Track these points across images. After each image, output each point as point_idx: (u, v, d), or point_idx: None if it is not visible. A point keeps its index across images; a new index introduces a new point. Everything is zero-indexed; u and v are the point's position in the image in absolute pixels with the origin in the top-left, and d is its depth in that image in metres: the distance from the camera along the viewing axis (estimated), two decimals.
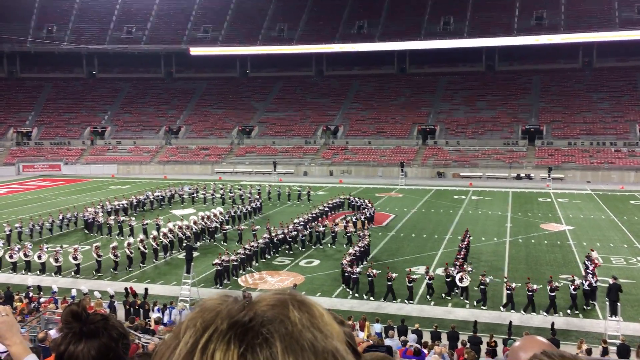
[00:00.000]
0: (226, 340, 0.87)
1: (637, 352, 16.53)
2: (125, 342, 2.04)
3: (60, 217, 36.36)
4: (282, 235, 30.52)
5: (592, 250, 26.38)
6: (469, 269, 23.81)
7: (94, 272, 27.10)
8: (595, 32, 69.96)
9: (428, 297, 23.19)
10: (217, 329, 0.88)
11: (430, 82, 78.46)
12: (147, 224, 34.36)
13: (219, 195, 46.48)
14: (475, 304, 22.42)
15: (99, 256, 27.20)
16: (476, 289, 22.75)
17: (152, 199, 43.68)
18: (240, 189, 46.97)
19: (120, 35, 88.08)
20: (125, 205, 40.93)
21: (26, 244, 29.62)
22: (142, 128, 77.94)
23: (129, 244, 28.33)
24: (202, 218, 34.37)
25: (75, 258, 26.99)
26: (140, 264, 28.31)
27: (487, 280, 22.36)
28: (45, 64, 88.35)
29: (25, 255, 27.71)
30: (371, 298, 23.27)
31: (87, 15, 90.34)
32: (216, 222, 34.63)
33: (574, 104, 69.00)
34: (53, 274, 26.99)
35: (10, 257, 27.74)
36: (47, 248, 28.80)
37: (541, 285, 22.29)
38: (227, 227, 34.43)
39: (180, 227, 32.03)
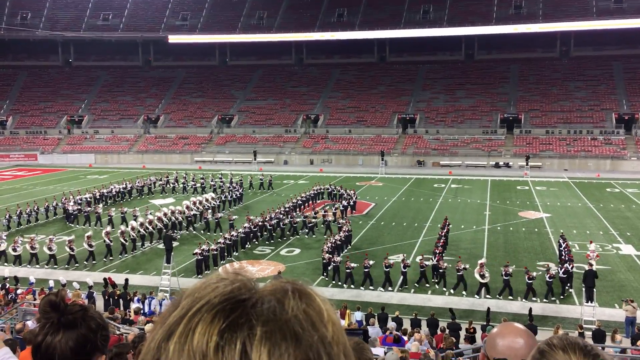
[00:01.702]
0: (213, 313, 0.87)
1: (612, 336, 16.88)
2: (104, 334, 2.02)
3: (46, 205, 36.00)
4: (262, 224, 30.55)
5: (591, 243, 26.28)
6: (484, 260, 22.89)
7: (105, 258, 27.24)
8: (572, 21, 70.59)
9: (416, 284, 23.42)
10: (209, 301, 0.88)
11: (410, 71, 78.62)
12: (125, 212, 34.14)
13: (190, 184, 46.17)
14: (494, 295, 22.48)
15: (90, 246, 26.99)
16: (482, 281, 22.54)
17: (115, 192, 42.04)
18: (202, 178, 47.02)
19: (97, 22, 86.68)
20: (94, 197, 39.65)
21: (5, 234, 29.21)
22: (120, 117, 77.02)
23: (107, 233, 28.07)
24: (194, 203, 35.05)
25: (32, 248, 26.72)
26: (120, 255, 28.08)
27: (510, 270, 22.03)
28: (20, 52, 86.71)
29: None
30: (351, 286, 23.42)
31: (62, 1, 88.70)
32: (209, 207, 35.49)
33: (552, 92, 69.72)
34: (47, 264, 26.69)
35: None
36: (21, 241, 28.36)
37: (514, 267, 22.60)
38: (191, 212, 34.52)
39: (172, 212, 32.52)
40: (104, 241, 27.80)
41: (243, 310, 0.87)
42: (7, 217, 33.34)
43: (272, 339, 0.84)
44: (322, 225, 32.41)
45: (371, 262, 23.60)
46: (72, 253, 26.75)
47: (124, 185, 43.39)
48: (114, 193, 41.96)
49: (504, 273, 22.01)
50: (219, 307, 0.87)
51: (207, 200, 36.93)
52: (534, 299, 21.56)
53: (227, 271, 0.98)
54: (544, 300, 21.61)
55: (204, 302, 0.88)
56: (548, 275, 21.87)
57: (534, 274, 22.28)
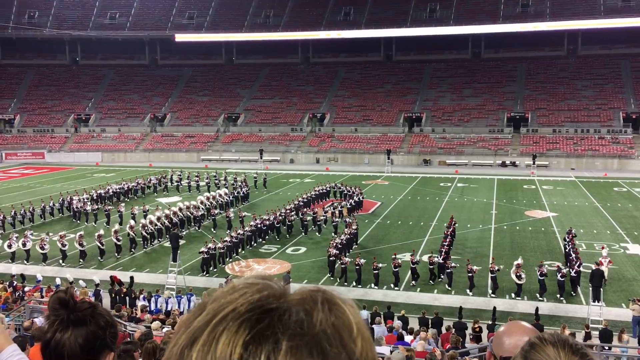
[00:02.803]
0: (238, 322, 0.84)
1: (619, 336, 16.80)
2: (112, 331, 2.03)
3: (43, 205, 36.04)
4: (270, 222, 30.58)
5: (603, 248, 25.57)
6: (520, 261, 22.58)
7: (80, 260, 26.99)
8: (580, 19, 70.32)
9: (413, 282, 23.39)
10: (235, 309, 0.86)
11: (416, 70, 78.48)
12: (135, 213, 34.22)
13: (184, 182, 46.30)
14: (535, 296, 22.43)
15: (82, 245, 27.07)
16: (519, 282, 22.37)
17: (111, 192, 41.11)
18: (197, 175, 47.20)
19: (104, 21, 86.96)
20: (91, 198, 39.20)
21: (15, 233, 29.37)
22: (126, 115, 77.25)
23: (115, 232, 28.28)
24: (208, 198, 36.07)
25: (63, 245, 26.95)
26: (132, 250, 28.50)
27: (545, 269, 21.83)
28: (27, 50, 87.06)
29: (9, 246, 27.43)
30: (359, 286, 23.41)
31: (69, 0, 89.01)
32: (222, 202, 36.92)
33: (559, 91, 69.45)
34: (43, 262, 26.88)
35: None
36: (31, 235, 28.52)
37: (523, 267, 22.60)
38: (215, 211, 35.22)
39: (187, 207, 33.44)
40: (128, 234, 28.62)
41: (270, 321, 0.84)
42: (1, 217, 33.35)
43: (298, 354, 0.81)
44: (328, 224, 32.47)
45: (400, 262, 23.58)
46: (101, 247, 27.31)
47: (121, 186, 42.67)
48: (111, 193, 41.12)
49: (538, 273, 21.80)
50: (246, 316, 0.85)
51: (220, 195, 37.81)
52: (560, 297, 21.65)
53: (257, 276, 0.95)
54: (557, 297, 21.63)
55: (230, 309, 0.86)
56: (574, 271, 21.98)
57: (565, 270, 22.25)
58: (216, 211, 34.79)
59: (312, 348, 0.82)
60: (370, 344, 0.89)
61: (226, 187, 42.47)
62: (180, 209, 33.06)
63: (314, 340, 0.83)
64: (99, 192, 40.36)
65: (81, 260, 26.94)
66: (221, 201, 37.10)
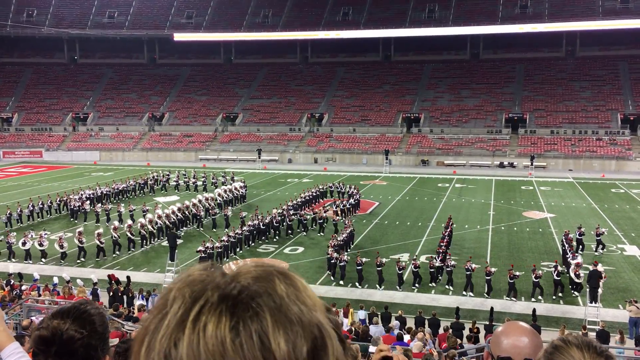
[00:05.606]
0: (217, 312, 0.87)
1: (622, 338, 16.81)
2: (104, 340, 1.97)
3: (41, 203, 35.93)
4: (268, 221, 30.60)
5: (597, 263, 25.29)
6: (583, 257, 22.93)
7: (81, 259, 27.01)
8: (578, 21, 70.37)
9: (417, 285, 23.28)
10: (207, 301, 0.88)
11: (415, 70, 78.48)
12: (133, 210, 34.30)
13: (192, 183, 46.21)
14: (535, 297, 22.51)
15: (81, 242, 27.08)
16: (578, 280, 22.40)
17: (85, 197, 38.20)
18: (168, 173, 47.46)
19: (102, 19, 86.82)
20: (89, 196, 38.53)
21: (10, 231, 29.32)
22: (124, 114, 77.15)
23: (114, 228, 28.35)
24: (225, 191, 38.17)
25: (61, 246, 26.93)
26: (131, 249, 28.50)
27: (560, 269, 22.20)
28: (26, 49, 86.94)
29: (8, 242, 27.41)
30: (357, 285, 23.41)
31: None
32: (237, 195, 38.89)
33: (557, 92, 69.52)
34: (42, 259, 26.96)
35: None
36: (31, 235, 28.48)
37: (523, 272, 22.65)
38: (215, 210, 35.38)
39: (207, 199, 34.92)
40: (140, 232, 29.22)
41: (244, 304, 0.88)
42: (7, 214, 33.23)
43: (283, 324, 0.87)
44: (325, 224, 32.46)
45: (403, 264, 23.60)
46: (101, 245, 27.49)
47: (94, 191, 39.96)
48: (84, 199, 37.78)
49: (554, 273, 22.04)
50: (222, 305, 0.87)
51: (236, 189, 39.46)
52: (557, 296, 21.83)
53: (198, 266, 0.97)
54: (553, 297, 21.62)
55: (202, 302, 0.88)
56: (555, 272, 22.04)
57: (560, 268, 22.36)
58: (216, 211, 34.98)
59: (291, 316, 0.88)
60: (318, 298, 0.98)
61: (241, 181, 42.72)
62: (200, 200, 34.17)
63: (289, 309, 0.89)
64: (72, 196, 37.72)
65: (79, 260, 26.90)
66: (237, 194, 38.93)
